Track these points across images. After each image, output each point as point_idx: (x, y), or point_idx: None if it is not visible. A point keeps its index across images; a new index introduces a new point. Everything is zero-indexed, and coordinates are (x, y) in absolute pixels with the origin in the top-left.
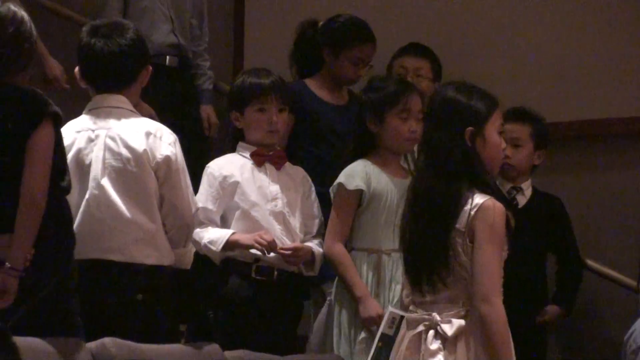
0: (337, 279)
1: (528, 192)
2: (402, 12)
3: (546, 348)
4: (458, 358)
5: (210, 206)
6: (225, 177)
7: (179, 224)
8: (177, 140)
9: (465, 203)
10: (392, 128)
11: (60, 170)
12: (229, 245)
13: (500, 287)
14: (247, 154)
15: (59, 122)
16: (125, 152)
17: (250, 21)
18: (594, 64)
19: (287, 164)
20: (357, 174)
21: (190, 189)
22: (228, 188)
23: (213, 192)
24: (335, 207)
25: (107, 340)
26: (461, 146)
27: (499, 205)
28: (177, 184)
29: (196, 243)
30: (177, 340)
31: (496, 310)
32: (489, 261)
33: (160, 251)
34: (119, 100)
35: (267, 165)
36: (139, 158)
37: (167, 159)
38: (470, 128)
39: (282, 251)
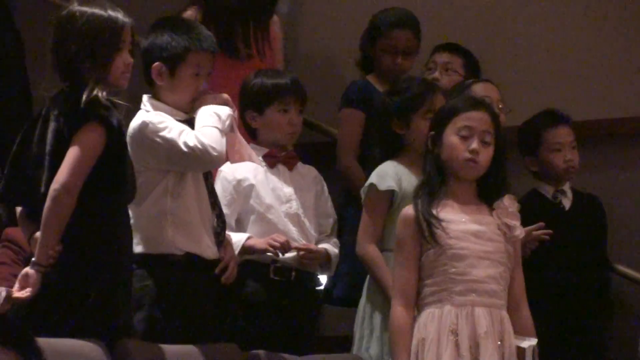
0: (368, 280)
1: (570, 194)
2: (424, 15)
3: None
4: None
5: (224, 210)
6: (239, 181)
7: None
8: (153, 121)
9: None
10: (419, 130)
11: (114, 180)
12: (245, 250)
13: (400, 293)
14: (260, 156)
15: (111, 130)
16: None
17: None
18: (622, 60)
19: (299, 164)
20: (388, 175)
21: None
22: (243, 192)
23: (227, 196)
24: (367, 208)
25: (126, 342)
26: (425, 151)
27: (402, 213)
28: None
29: None
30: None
31: (392, 314)
32: (394, 269)
33: None
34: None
35: (280, 167)
36: None
37: None
38: (432, 133)
39: (296, 246)
